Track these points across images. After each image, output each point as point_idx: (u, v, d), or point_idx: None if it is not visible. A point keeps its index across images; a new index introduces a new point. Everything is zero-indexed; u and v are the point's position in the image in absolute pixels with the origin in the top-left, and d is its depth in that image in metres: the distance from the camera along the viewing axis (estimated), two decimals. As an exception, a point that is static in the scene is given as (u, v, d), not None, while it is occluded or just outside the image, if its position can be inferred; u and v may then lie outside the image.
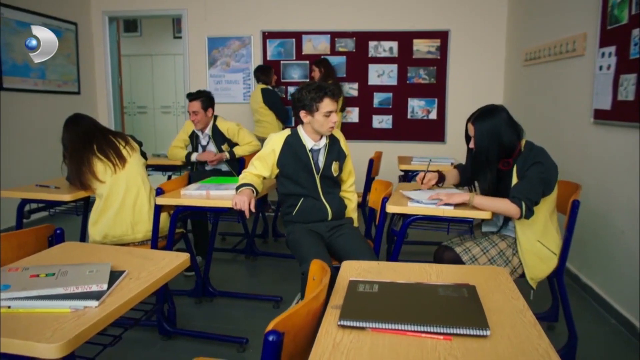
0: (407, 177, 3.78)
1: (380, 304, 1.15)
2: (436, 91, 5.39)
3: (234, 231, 4.52)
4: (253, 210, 2.32)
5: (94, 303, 1.19)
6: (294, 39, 5.55)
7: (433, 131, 5.44)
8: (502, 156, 2.24)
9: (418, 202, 2.31)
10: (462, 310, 1.10)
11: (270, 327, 1.00)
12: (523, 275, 2.30)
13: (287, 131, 2.57)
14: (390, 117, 5.53)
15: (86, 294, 1.23)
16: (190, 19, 5.64)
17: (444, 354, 0.96)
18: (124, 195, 2.64)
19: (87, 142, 2.63)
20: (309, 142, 2.51)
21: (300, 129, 2.54)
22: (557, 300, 2.48)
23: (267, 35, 5.58)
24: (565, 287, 2.34)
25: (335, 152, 2.58)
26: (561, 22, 3.69)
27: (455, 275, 1.37)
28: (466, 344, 1.00)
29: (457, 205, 2.25)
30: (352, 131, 5.55)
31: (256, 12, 5.53)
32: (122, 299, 1.25)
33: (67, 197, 2.59)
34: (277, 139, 2.54)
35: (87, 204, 2.93)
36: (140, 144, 2.89)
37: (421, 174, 2.55)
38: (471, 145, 2.30)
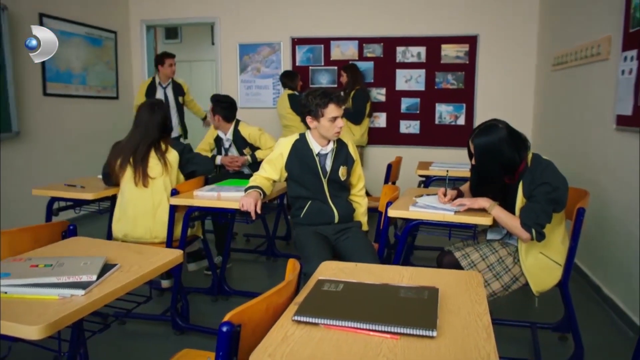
0: (427, 182, 3.77)
1: (339, 302, 1.19)
2: (464, 96, 5.33)
3: (258, 233, 4.63)
4: (259, 211, 2.40)
5: (80, 292, 1.29)
6: (322, 45, 5.63)
7: (461, 137, 5.36)
8: (504, 172, 2.22)
9: (426, 207, 2.32)
10: (415, 311, 1.13)
11: (225, 318, 1.07)
12: (527, 284, 2.27)
13: (296, 135, 2.64)
14: (418, 122, 5.51)
15: (75, 283, 1.33)
16: (223, 26, 5.83)
17: (384, 352, 1.00)
18: (144, 203, 2.74)
19: (142, 138, 2.75)
20: (316, 146, 2.57)
21: (308, 133, 2.61)
22: (571, 310, 2.42)
23: (296, 42, 5.69)
24: (571, 297, 2.28)
25: (342, 156, 2.61)
26: (588, 24, 3.60)
27: (427, 278, 1.40)
28: (411, 343, 1.03)
29: (461, 211, 2.25)
30: (379, 136, 5.59)
31: (286, 19, 5.65)
32: (108, 289, 1.35)
33: (90, 196, 2.76)
34: (285, 143, 2.62)
35: (112, 204, 3.08)
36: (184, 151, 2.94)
37: (442, 190, 2.48)
38: (472, 162, 2.30)
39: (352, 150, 2.67)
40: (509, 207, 2.22)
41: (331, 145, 2.59)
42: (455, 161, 4.44)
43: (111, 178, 2.85)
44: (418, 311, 1.13)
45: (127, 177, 2.74)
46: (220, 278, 3.24)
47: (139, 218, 2.73)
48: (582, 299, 3.21)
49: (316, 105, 2.46)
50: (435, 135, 5.46)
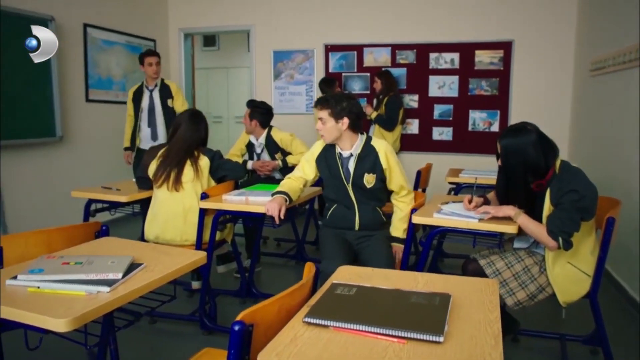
0: (457, 189, 3.74)
1: (350, 305, 1.21)
2: (498, 103, 5.25)
3: (289, 237, 4.69)
4: (282, 217, 2.44)
5: (105, 289, 1.36)
6: (355, 52, 5.66)
7: (495, 144, 5.26)
8: (528, 176, 2.18)
9: (451, 214, 2.31)
10: (424, 316, 1.14)
11: (238, 318, 1.11)
12: (554, 294, 2.22)
13: None
14: (451, 129, 5.46)
15: (102, 280, 1.40)
16: (258, 33, 5.95)
17: (390, 355, 1.01)
18: (176, 207, 2.81)
19: (183, 147, 2.84)
20: (339, 148, 2.61)
21: None
22: (600, 323, 2.35)
23: (329, 48, 5.74)
24: (600, 309, 2.22)
25: (369, 163, 2.55)
26: (628, 28, 3.49)
27: (442, 285, 1.40)
28: (418, 348, 1.04)
29: (485, 219, 2.22)
30: (412, 143, 5.56)
31: (319, 26, 5.72)
32: (132, 287, 1.41)
33: (124, 199, 2.87)
34: (319, 143, 2.69)
35: (145, 207, 3.19)
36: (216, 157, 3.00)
37: (468, 197, 2.47)
38: (499, 163, 2.28)
39: (384, 158, 2.55)
40: (536, 215, 2.19)
41: (353, 149, 2.58)
42: (487, 168, 4.37)
43: (146, 182, 2.95)
44: (427, 316, 1.14)
45: (161, 181, 2.84)
46: (249, 281, 3.30)
47: (170, 221, 2.82)
48: (616, 311, 3.11)
49: None
50: (468, 142, 5.39)
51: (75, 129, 4.75)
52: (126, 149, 4.51)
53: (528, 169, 2.15)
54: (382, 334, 1.08)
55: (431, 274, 1.52)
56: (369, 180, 2.56)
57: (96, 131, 5.03)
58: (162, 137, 4.44)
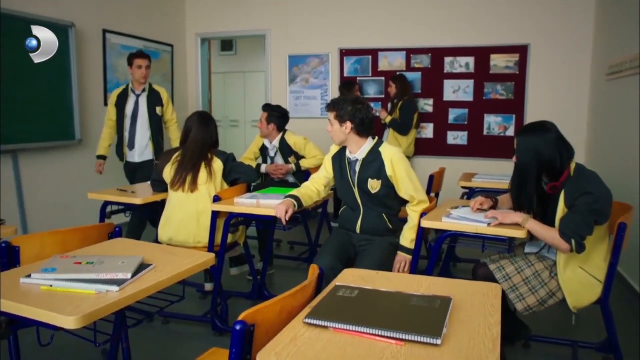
0: (469, 194, 3.72)
1: (351, 307, 1.23)
2: (514, 107, 5.21)
3: (302, 241, 4.71)
4: (287, 219, 2.48)
5: (114, 288, 1.40)
6: (370, 56, 5.68)
7: (510, 148, 5.19)
8: (542, 176, 2.18)
9: (459, 218, 2.31)
10: (423, 319, 1.15)
11: (240, 317, 1.13)
12: (564, 299, 2.20)
13: None
14: (466, 133, 5.43)
15: (112, 280, 1.44)
16: (273, 38, 6.01)
17: (387, 356, 1.03)
18: (189, 209, 2.86)
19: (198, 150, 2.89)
20: (348, 151, 2.64)
21: None
22: (611, 329, 2.32)
23: (344, 53, 5.77)
24: (612, 315, 2.19)
25: (372, 168, 2.54)
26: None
27: (444, 288, 1.41)
28: (415, 350, 1.06)
29: (493, 224, 2.22)
30: (427, 147, 5.55)
31: (334, 31, 5.75)
32: (140, 286, 1.45)
33: (138, 201, 2.93)
34: (335, 146, 2.74)
35: (160, 210, 3.24)
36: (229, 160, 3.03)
37: (477, 199, 2.47)
38: (514, 159, 2.28)
39: (389, 166, 2.52)
40: (549, 218, 2.17)
41: (359, 153, 2.58)
42: (502, 173, 4.33)
43: (160, 185, 3.01)
44: (426, 319, 1.15)
45: (178, 185, 2.88)
46: (261, 283, 3.33)
47: (183, 223, 2.87)
48: (631, 317, 3.06)
49: None
50: (483, 146, 5.36)
51: (93, 132, 4.83)
52: (99, 157, 4.11)
53: (542, 167, 2.14)
54: (381, 336, 1.09)
55: (435, 277, 1.53)
56: (373, 185, 2.56)
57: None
58: (140, 146, 4.07)
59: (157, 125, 4.13)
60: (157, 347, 2.73)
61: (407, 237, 2.55)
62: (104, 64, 4.94)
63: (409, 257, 2.54)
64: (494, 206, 2.47)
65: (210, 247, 2.86)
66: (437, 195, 4.06)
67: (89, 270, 1.49)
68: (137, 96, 4.06)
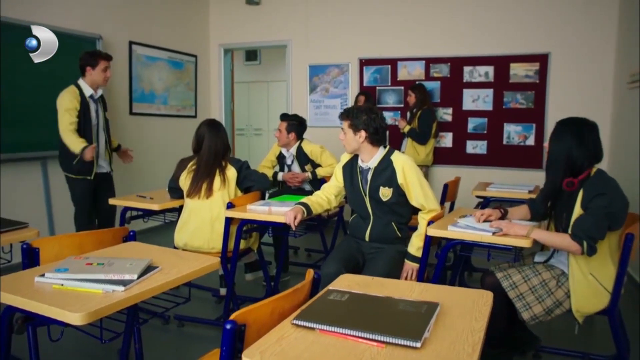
0: (484, 203, 3.70)
1: (339, 310, 1.28)
2: (534, 116, 5.16)
3: (319, 248, 4.76)
4: (296, 224, 2.54)
5: (120, 288, 1.48)
6: (389, 66, 5.72)
7: (530, 157, 5.20)
8: (566, 164, 2.17)
9: (466, 227, 2.33)
10: (406, 323, 1.19)
11: (231, 317, 1.19)
12: (571, 309, 2.19)
13: None
14: (485, 142, 5.40)
15: (119, 280, 1.52)
16: (295, 48, 6.11)
17: (366, 357, 1.07)
18: (204, 215, 2.95)
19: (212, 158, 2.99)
20: (360, 160, 2.68)
21: None
22: (619, 341, 2.28)
23: (364, 62, 5.82)
24: (619, 329, 2.17)
25: (384, 177, 2.58)
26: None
27: (436, 295, 1.43)
28: (395, 352, 1.09)
29: (501, 235, 2.23)
30: (446, 156, 5.54)
31: (354, 41, 5.81)
32: (146, 287, 1.53)
33: (155, 207, 3.03)
34: (346, 155, 2.80)
35: (177, 216, 3.35)
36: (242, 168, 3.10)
37: (485, 210, 2.47)
38: (545, 144, 2.29)
39: (401, 174, 2.54)
40: (565, 220, 2.18)
41: (371, 162, 2.61)
42: (520, 182, 4.31)
43: (176, 192, 3.11)
44: (409, 323, 1.19)
45: (194, 194, 2.97)
46: (274, 289, 3.39)
47: (198, 229, 2.96)
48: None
49: None
50: (503, 155, 5.32)
51: (119, 140, 5.01)
52: (86, 147, 3.47)
53: (569, 155, 2.15)
54: (363, 338, 1.13)
55: (428, 284, 1.56)
56: (385, 193, 2.58)
57: (140, 142, 5.29)
58: (102, 156, 3.80)
59: (109, 130, 3.91)
60: (171, 348, 2.82)
61: (415, 245, 2.56)
62: (130, 75, 5.12)
63: (416, 265, 2.55)
64: (502, 217, 2.47)
65: (223, 253, 2.94)
66: (452, 204, 4.06)
67: (98, 271, 1.57)
68: (96, 102, 3.72)
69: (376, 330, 1.14)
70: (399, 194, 2.58)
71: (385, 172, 2.58)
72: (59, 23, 4.21)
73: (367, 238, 2.66)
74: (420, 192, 2.55)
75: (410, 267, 2.56)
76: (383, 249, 2.62)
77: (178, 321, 3.06)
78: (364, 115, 2.56)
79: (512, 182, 4.40)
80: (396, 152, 2.64)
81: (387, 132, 5.23)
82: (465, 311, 1.33)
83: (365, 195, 2.64)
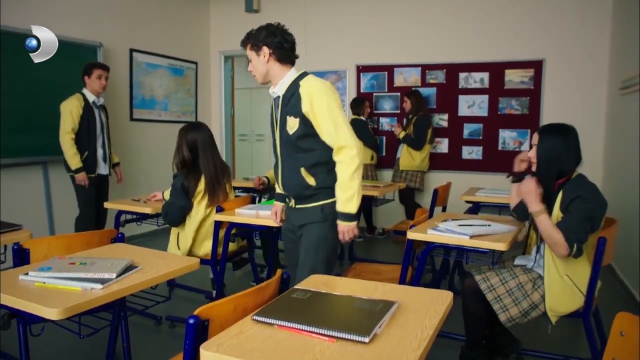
0: (472, 208, 3.75)
1: (299, 308, 1.34)
2: (529, 122, 5.21)
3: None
4: (278, 220, 2.44)
5: (99, 286, 1.56)
6: (386, 72, 5.79)
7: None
8: (558, 171, 2.22)
9: (445, 231, 2.39)
10: (359, 319, 1.25)
11: (195, 313, 1.26)
12: (546, 312, 2.24)
13: None
14: (481, 148, 5.45)
15: (98, 279, 1.60)
16: (293, 55, 6.19)
17: (315, 351, 1.13)
18: (207, 224, 3.04)
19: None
20: (271, 89, 2.30)
21: None
22: (593, 344, 2.32)
23: (361, 69, 5.90)
24: (593, 331, 2.21)
25: (291, 105, 2.16)
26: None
27: (397, 294, 1.49)
28: (344, 347, 1.16)
29: (476, 236, 2.29)
30: (441, 162, 5.59)
31: (351, 48, 5.90)
32: (124, 285, 1.60)
33: (148, 210, 3.12)
34: None
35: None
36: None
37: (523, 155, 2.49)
38: (530, 154, 2.31)
39: (307, 99, 2.06)
40: None
41: (279, 88, 2.18)
42: (508, 188, 4.33)
43: (182, 210, 3.02)
44: (362, 320, 1.25)
45: (203, 198, 3.00)
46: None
47: (201, 236, 3.04)
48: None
49: None
50: (498, 161, 5.36)
51: (121, 146, 5.12)
52: (81, 168, 3.91)
53: (560, 162, 2.20)
54: (316, 333, 1.20)
55: (393, 285, 1.62)
56: (291, 125, 2.12)
57: (139, 148, 5.41)
58: (107, 159, 4.14)
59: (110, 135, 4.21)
60: (162, 347, 2.89)
61: (341, 199, 2.10)
62: (131, 82, 5.23)
63: (351, 224, 2.12)
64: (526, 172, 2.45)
65: (212, 256, 3.01)
66: (444, 209, 4.11)
67: (80, 270, 1.65)
68: (98, 108, 4.06)
69: (329, 326, 1.20)
70: (306, 126, 2.09)
71: (292, 99, 2.12)
72: (60, 31, 4.26)
73: (282, 189, 2.29)
74: (329, 123, 2.05)
75: (345, 228, 2.13)
76: (305, 226, 2.20)
77: (170, 322, 3.14)
78: (264, 31, 2.16)
79: (507, 187, 4.43)
80: (310, 76, 2.16)
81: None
82: (421, 309, 1.39)
83: (277, 129, 2.20)
